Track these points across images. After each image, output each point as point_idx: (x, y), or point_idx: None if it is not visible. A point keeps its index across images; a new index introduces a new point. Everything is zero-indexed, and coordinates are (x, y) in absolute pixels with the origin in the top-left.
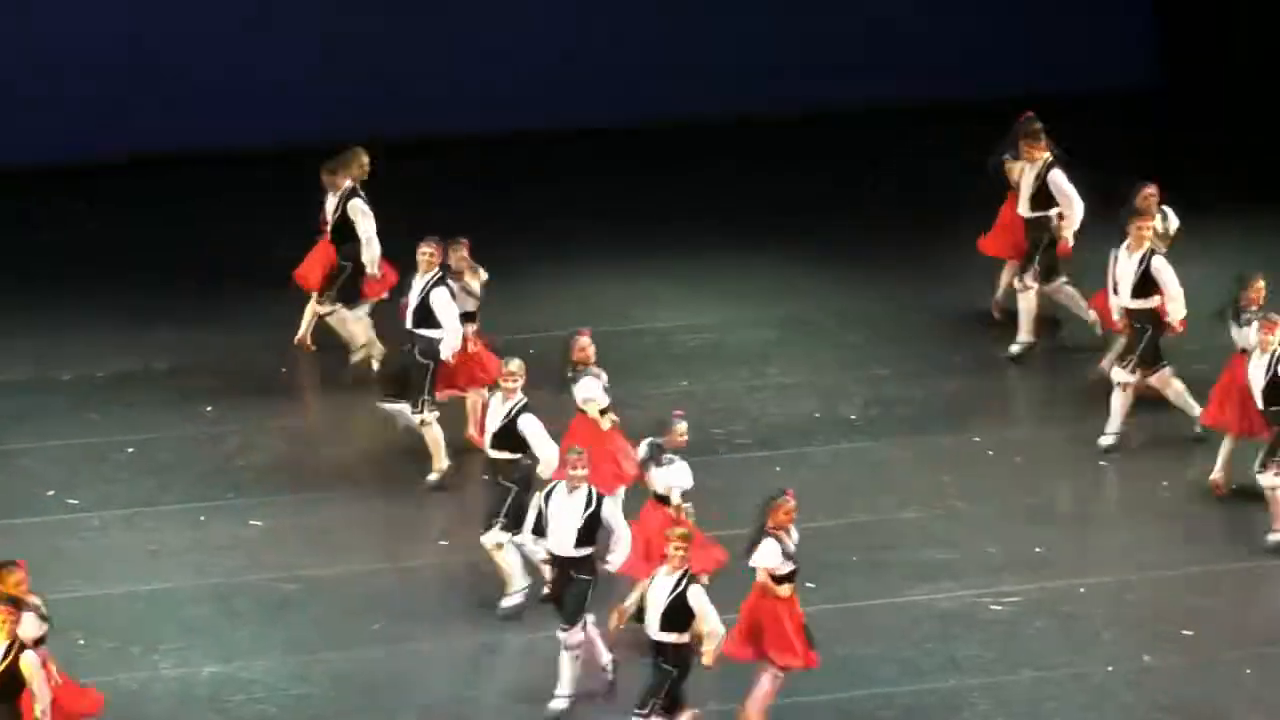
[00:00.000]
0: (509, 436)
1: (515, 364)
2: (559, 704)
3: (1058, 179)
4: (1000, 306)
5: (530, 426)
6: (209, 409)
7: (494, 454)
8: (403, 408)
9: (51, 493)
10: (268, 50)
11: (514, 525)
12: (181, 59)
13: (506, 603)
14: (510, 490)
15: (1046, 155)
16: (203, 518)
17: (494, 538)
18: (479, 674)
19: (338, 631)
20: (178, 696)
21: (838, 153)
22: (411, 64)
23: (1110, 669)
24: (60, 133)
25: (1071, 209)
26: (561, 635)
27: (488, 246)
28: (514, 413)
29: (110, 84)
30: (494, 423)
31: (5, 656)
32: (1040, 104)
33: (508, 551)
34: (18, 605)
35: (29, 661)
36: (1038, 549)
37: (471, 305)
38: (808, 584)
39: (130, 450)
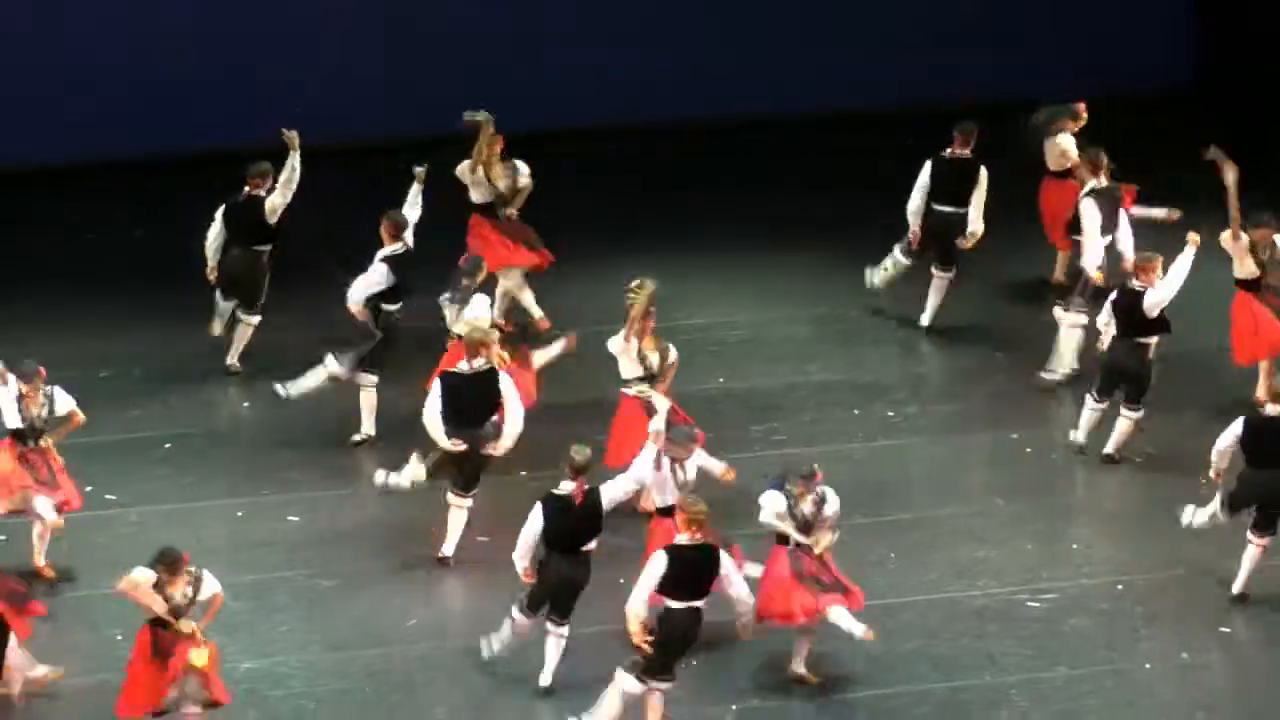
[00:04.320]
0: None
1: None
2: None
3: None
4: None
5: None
6: (246, 405)
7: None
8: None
9: (90, 489)
10: (323, 46)
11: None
12: (232, 58)
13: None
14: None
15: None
16: (240, 514)
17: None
18: (519, 669)
19: (376, 627)
20: None
21: (876, 152)
22: (455, 61)
23: (1148, 666)
24: (103, 131)
25: None
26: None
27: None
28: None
29: (154, 82)
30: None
31: None
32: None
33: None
34: None
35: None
36: (1075, 546)
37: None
38: None
39: (168, 446)
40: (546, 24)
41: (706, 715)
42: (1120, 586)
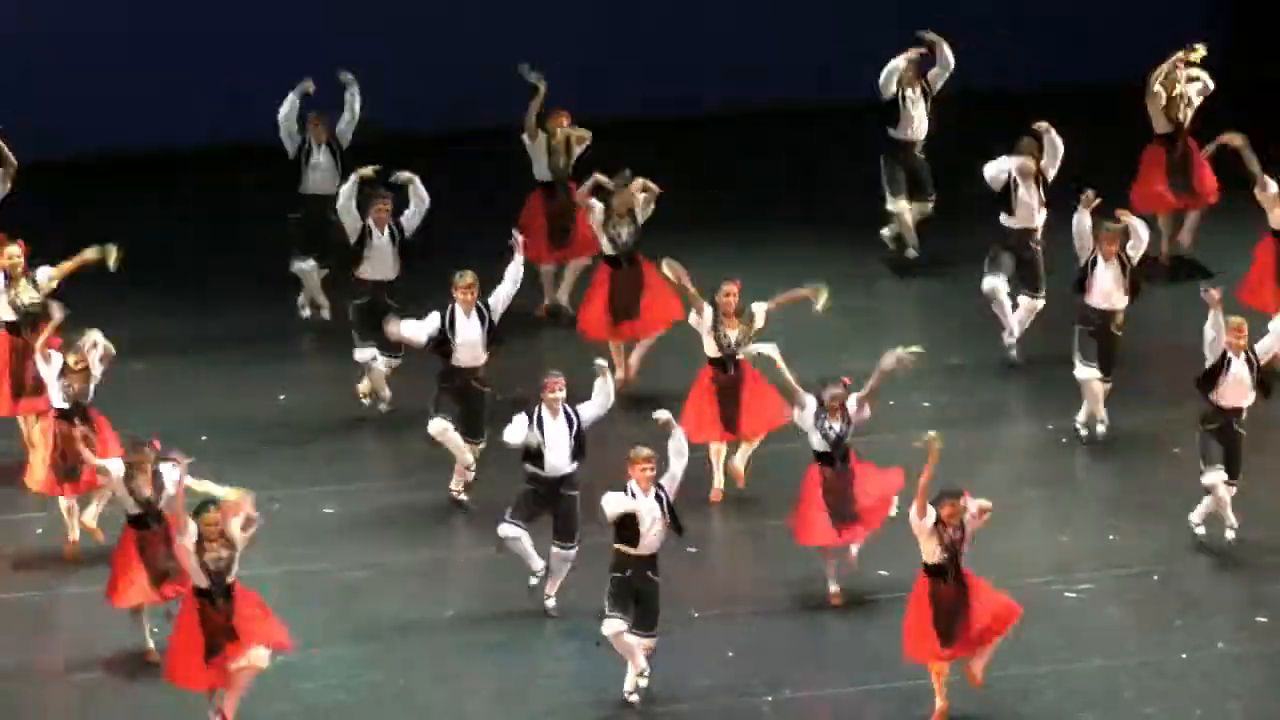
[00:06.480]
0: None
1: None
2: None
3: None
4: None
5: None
6: (282, 397)
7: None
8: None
9: None
10: (324, 46)
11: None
12: (233, 58)
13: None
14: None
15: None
16: (276, 505)
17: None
18: (554, 661)
19: (410, 618)
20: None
21: None
22: (479, 56)
23: (1184, 656)
24: (136, 123)
25: None
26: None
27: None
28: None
29: (154, 82)
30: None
31: None
32: (1105, 87)
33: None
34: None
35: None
36: (1111, 537)
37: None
38: (880, 571)
39: (204, 438)
40: (586, 9)
41: (742, 706)
42: (1155, 577)
